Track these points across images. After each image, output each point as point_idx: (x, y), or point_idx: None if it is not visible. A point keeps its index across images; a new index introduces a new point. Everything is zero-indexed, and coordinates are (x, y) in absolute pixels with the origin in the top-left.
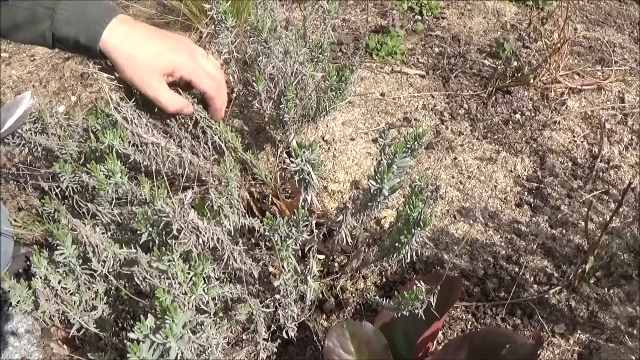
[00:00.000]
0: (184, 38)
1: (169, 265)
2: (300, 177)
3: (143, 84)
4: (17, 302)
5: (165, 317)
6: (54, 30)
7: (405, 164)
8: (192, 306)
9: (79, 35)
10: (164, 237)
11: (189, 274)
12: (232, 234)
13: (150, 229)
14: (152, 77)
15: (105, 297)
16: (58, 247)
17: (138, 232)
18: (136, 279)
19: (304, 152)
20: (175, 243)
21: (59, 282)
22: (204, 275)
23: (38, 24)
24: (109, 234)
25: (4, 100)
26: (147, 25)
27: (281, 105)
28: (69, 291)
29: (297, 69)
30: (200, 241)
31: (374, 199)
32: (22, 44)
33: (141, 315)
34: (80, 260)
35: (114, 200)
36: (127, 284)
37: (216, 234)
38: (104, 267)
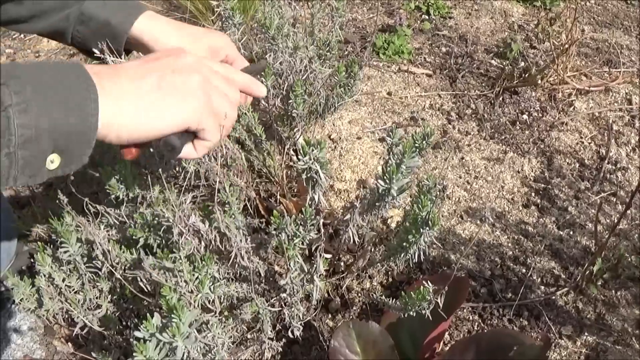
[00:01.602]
0: None
1: (175, 264)
2: (308, 175)
3: None
4: (20, 300)
5: (172, 315)
6: (83, 9)
7: (414, 164)
8: (198, 305)
9: (112, 17)
10: (164, 242)
11: (194, 274)
12: (237, 234)
13: (149, 234)
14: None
15: (110, 296)
16: (62, 245)
17: (134, 237)
18: (140, 282)
19: (312, 150)
20: (180, 242)
21: (63, 280)
22: (209, 276)
23: (65, 9)
24: (114, 231)
25: None
26: None
27: (290, 101)
28: (73, 289)
29: (306, 65)
30: (203, 245)
31: (382, 199)
32: (28, 39)
33: (147, 314)
34: (85, 259)
35: (122, 200)
36: (131, 282)
37: (222, 232)
38: (109, 267)
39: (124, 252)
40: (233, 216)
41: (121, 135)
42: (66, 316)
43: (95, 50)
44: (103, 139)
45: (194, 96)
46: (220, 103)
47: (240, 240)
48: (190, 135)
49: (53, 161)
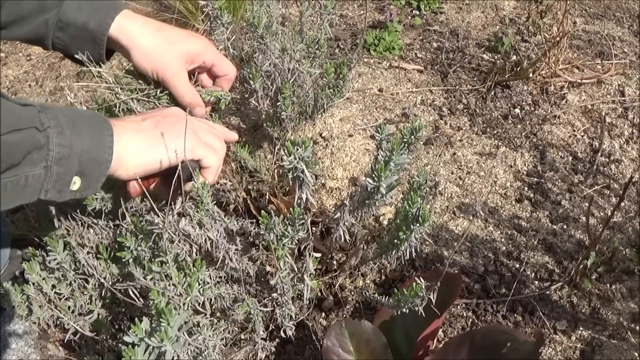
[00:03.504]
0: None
1: (162, 267)
2: (295, 175)
3: (165, 69)
4: (12, 307)
5: (161, 319)
6: (60, 15)
7: (402, 160)
8: (188, 307)
9: (89, 20)
10: (153, 253)
11: (183, 276)
12: (226, 237)
13: (139, 241)
14: (175, 63)
15: (101, 301)
16: (50, 253)
17: (123, 245)
18: (131, 292)
19: (297, 149)
20: (168, 247)
21: (53, 288)
22: (199, 280)
23: (43, 13)
24: (104, 234)
25: None
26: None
27: (278, 103)
28: (63, 296)
29: (294, 66)
30: (194, 250)
31: (371, 197)
32: (20, 43)
33: (136, 318)
34: (74, 265)
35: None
36: (121, 290)
37: (210, 237)
38: (97, 279)
39: (109, 266)
40: (206, 209)
41: (129, 168)
42: (58, 322)
43: (78, 56)
44: (113, 174)
45: (183, 132)
46: (206, 136)
47: (224, 238)
48: (196, 164)
49: (75, 183)
